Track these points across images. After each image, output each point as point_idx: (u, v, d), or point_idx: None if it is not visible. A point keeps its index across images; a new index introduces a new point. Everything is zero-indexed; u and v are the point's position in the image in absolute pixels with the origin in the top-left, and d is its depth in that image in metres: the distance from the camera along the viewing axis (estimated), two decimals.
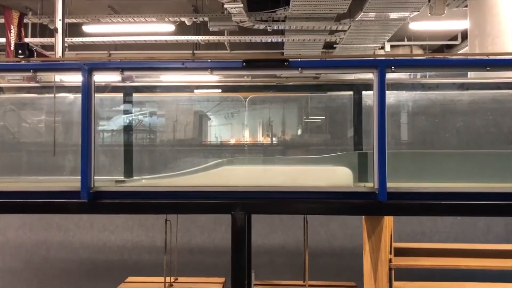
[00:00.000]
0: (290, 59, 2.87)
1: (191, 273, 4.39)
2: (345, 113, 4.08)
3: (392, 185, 2.87)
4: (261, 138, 5.71)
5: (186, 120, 5.52)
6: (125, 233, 5.36)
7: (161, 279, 3.60)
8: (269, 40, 11.28)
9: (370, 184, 2.98)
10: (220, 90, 5.38)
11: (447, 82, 4.14)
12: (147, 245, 5.32)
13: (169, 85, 4.69)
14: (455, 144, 3.92)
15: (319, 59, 3.64)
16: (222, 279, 3.91)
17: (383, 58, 3.09)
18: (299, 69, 2.91)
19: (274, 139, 5.65)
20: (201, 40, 11.76)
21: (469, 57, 3.15)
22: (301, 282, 3.70)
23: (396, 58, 2.91)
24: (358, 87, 3.67)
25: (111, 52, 12.66)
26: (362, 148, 3.68)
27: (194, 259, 5.21)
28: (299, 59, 2.94)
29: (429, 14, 8.74)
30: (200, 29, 11.98)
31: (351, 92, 3.76)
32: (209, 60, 3.05)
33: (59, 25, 5.21)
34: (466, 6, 7.80)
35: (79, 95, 3.02)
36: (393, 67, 2.83)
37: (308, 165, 3.34)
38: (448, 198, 2.91)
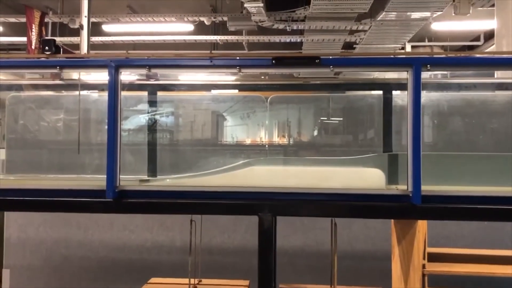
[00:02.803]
0: (321, 56, 2.78)
1: (211, 274, 4.33)
2: (374, 113, 3.98)
3: (426, 188, 2.77)
4: (286, 139, 5.63)
5: (207, 120, 5.47)
6: (145, 232, 5.32)
7: (185, 280, 3.54)
8: (288, 40, 11.19)
9: (402, 187, 2.88)
10: (237, 90, 5.32)
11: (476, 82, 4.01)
12: (167, 245, 5.28)
13: (192, 83, 4.64)
14: (491, 146, 3.79)
15: (352, 57, 3.54)
16: (246, 282, 3.84)
17: (419, 56, 2.98)
18: (331, 66, 2.83)
19: (299, 139, 5.56)
20: (219, 40, 11.73)
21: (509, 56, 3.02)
22: (328, 286, 3.60)
23: (432, 56, 2.79)
24: (389, 87, 3.57)
25: (129, 51, 12.69)
26: (392, 150, 3.57)
27: (214, 260, 5.15)
28: (330, 57, 2.85)
29: (453, 14, 8.55)
30: (218, 29, 11.95)
31: (380, 92, 3.66)
32: (238, 58, 2.98)
33: (84, 22, 5.18)
34: (492, 6, 7.62)
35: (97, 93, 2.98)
36: (429, 66, 2.73)
37: (338, 166, 3.25)
38: (487, 203, 2.79)
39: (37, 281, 5.30)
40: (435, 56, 2.73)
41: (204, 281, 3.76)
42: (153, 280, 3.87)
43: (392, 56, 3.06)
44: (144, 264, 5.23)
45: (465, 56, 3.48)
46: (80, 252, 5.33)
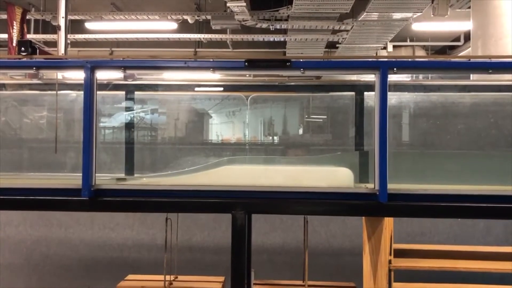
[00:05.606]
0: (292, 60, 2.87)
1: (191, 271, 4.40)
2: (347, 113, 4.09)
3: (392, 186, 2.87)
4: (262, 137, 5.71)
5: (187, 119, 5.52)
6: (125, 230, 5.37)
7: (161, 277, 3.61)
8: (271, 39, 11.27)
9: (371, 185, 2.99)
10: (222, 89, 5.38)
11: (450, 84, 4.14)
12: (147, 243, 5.33)
13: (172, 83, 4.68)
14: (455, 145, 3.92)
15: (321, 60, 3.63)
16: (221, 278, 3.92)
17: (385, 59, 3.09)
18: (301, 69, 2.92)
19: (275, 138, 5.65)
20: (203, 38, 11.76)
21: (471, 60, 3.15)
22: (300, 282, 3.70)
23: (398, 59, 2.90)
24: (360, 88, 3.68)
25: (113, 49, 12.66)
26: (363, 148, 3.68)
27: (195, 257, 5.21)
28: (301, 60, 2.94)
29: (432, 15, 8.72)
30: (202, 27, 11.98)
31: (353, 93, 3.76)
32: (211, 60, 3.05)
33: (61, 22, 5.21)
34: (469, 7, 7.78)
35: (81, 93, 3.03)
36: (395, 69, 2.84)
37: (309, 166, 3.35)
38: (449, 200, 2.91)
39: (17, 280, 5.31)
40: (401, 59, 2.84)
41: (180, 277, 3.83)
42: (130, 277, 3.93)
43: (360, 60, 3.15)
44: (125, 262, 5.27)
45: (430, 60, 3.60)
46: (60, 250, 5.35)
